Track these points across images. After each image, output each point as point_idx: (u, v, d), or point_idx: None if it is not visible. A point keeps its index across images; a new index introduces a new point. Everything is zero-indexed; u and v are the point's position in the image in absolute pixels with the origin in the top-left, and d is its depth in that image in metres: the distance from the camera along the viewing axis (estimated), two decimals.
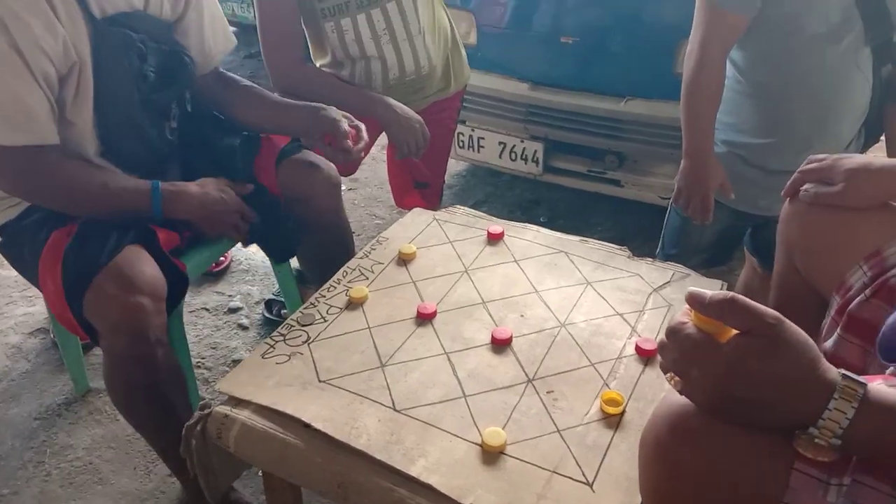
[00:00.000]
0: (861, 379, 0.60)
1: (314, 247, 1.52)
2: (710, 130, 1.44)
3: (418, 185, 1.89)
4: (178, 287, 1.22)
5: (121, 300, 1.08)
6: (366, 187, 2.73)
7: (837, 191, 1.04)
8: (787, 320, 0.62)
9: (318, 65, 1.66)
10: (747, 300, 0.61)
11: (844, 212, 1.03)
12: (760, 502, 0.67)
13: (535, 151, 2.26)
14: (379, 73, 1.62)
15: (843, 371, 0.60)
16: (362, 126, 1.42)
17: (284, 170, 1.42)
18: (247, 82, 1.48)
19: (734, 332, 0.62)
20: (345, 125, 1.38)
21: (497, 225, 1.37)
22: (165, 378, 1.17)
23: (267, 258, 2.09)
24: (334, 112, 1.39)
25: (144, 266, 1.14)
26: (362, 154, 1.46)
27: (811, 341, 0.62)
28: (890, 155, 1.45)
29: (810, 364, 0.60)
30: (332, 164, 1.45)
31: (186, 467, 1.27)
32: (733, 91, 1.47)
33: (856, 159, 1.06)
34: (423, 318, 1.13)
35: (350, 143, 1.37)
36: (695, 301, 0.63)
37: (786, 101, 1.41)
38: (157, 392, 1.17)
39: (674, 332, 0.65)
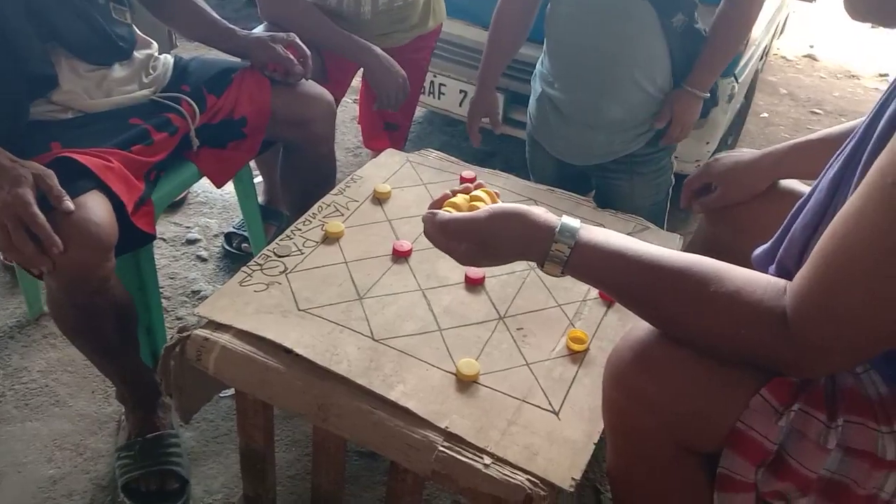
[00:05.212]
0: (575, 224, 0.80)
1: (300, 174, 1.54)
2: (494, 67, 1.65)
3: (388, 127, 1.91)
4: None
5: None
6: None
7: (717, 195, 1.19)
8: (492, 216, 0.84)
9: None
10: (456, 223, 0.86)
11: (739, 204, 1.17)
12: (712, 427, 0.75)
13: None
14: None
15: (564, 218, 0.81)
16: (296, 38, 1.46)
17: (281, 91, 1.43)
18: None
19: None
20: (281, 50, 1.42)
21: (469, 170, 1.41)
22: (105, 320, 1.15)
23: (225, 192, 2.08)
24: (273, 43, 1.43)
25: (91, 214, 1.05)
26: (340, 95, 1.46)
27: (520, 213, 0.83)
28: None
29: (525, 232, 0.82)
30: (328, 92, 1.48)
31: (127, 397, 1.32)
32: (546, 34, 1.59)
33: (725, 161, 1.20)
34: (399, 256, 1.17)
35: (299, 66, 1.43)
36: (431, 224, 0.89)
37: (563, 46, 1.52)
38: (97, 330, 1.17)
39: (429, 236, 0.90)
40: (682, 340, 0.76)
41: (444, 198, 0.94)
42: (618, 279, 0.78)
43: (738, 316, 0.69)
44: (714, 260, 0.74)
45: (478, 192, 0.95)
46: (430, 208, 0.92)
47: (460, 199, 0.94)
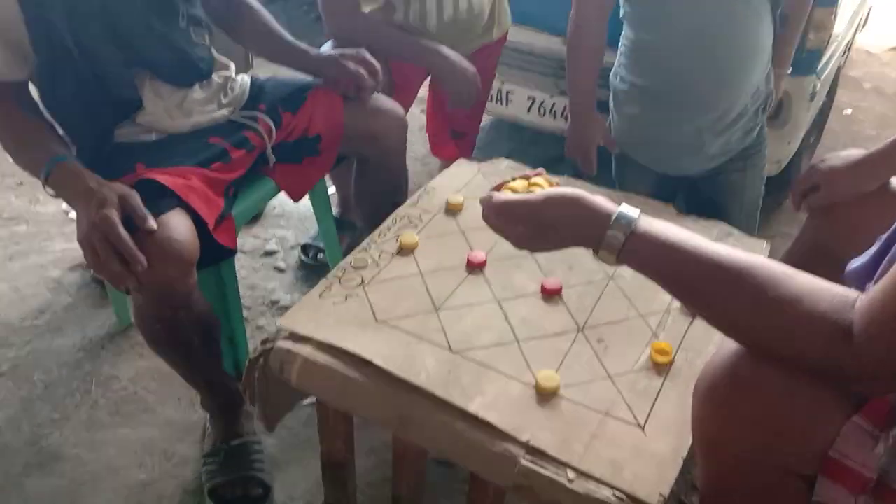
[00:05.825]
0: (633, 213, 0.78)
1: (373, 187, 1.57)
2: (589, 89, 1.55)
3: (455, 135, 1.92)
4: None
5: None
6: None
7: (821, 193, 1.16)
8: (549, 198, 0.83)
9: (367, 9, 1.66)
10: (512, 204, 0.86)
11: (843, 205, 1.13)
12: (806, 448, 0.72)
13: (565, 107, 2.26)
14: (434, 11, 1.64)
15: (623, 206, 0.79)
16: (365, 53, 1.47)
17: (353, 107, 1.46)
18: (254, 3, 1.50)
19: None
20: (352, 65, 1.44)
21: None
22: (189, 333, 1.20)
23: (301, 205, 2.12)
24: (343, 60, 1.45)
25: (174, 232, 1.10)
26: (408, 105, 1.48)
27: (577, 197, 0.82)
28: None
29: (581, 216, 0.81)
30: (399, 106, 1.50)
31: (211, 405, 1.37)
32: (630, 50, 1.49)
33: (831, 161, 1.16)
34: (474, 267, 1.17)
35: (370, 79, 1.45)
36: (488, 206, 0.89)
37: (677, 60, 1.42)
38: (182, 342, 1.21)
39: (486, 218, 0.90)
40: (738, 342, 0.74)
41: (504, 183, 0.95)
42: (675, 273, 0.76)
43: (798, 325, 0.67)
44: (779, 263, 0.72)
45: (537, 179, 0.95)
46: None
47: (519, 184, 0.94)
